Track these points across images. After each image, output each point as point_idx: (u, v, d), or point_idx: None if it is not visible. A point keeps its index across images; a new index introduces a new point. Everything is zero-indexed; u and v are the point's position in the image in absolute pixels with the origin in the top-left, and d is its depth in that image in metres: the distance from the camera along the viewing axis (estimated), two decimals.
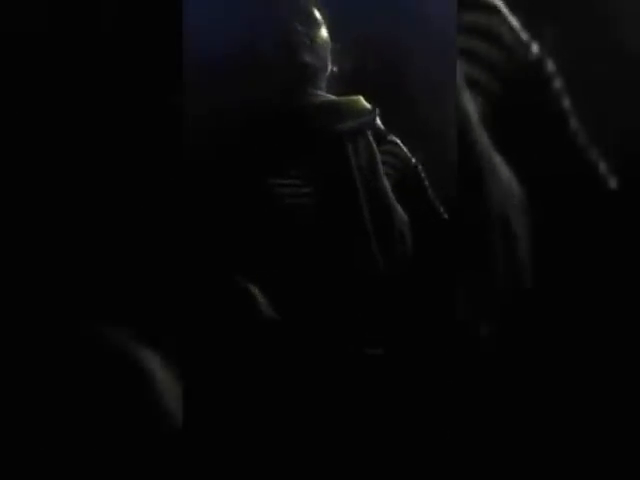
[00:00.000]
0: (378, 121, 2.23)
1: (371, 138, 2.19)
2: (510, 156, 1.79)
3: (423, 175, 2.30)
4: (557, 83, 1.86)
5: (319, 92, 2.22)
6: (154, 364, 1.69)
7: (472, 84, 1.76)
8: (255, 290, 2.10)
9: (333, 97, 2.23)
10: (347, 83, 2.27)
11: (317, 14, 2.23)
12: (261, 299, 2.10)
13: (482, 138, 1.72)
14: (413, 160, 2.29)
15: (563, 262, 1.82)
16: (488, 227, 1.72)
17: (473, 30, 1.78)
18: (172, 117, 2.16)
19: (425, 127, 2.48)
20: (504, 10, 1.82)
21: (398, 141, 2.28)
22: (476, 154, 1.71)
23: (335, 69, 2.25)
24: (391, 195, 2.17)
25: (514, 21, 1.83)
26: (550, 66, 1.86)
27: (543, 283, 1.79)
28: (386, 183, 2.17)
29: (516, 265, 1.74)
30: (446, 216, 2.32)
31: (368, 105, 2.22)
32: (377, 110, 2.22)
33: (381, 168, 2.17)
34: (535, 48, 1.84)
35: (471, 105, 1.72)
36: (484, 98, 1.76)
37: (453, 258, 2.08)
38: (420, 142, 2.31)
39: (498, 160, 1.75)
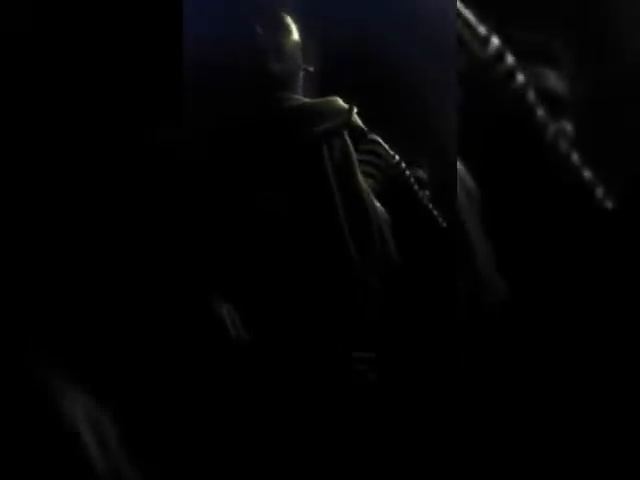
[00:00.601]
0: (357, 120, 2.19)
1: (347, 138, 2.15)
2: (474, 162, 1.77)
3: (408, 173, 2.26)
4: (519, 77, 1.81)
5: (295, 96, 2.19)
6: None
7: None
8: (226, 310, 2.09)
9: (309, 100, 2.20)
10: (337, 84, 2.26)
11: (284, 17, 2.21)
12: (232, 319, 2.09)
13: None
14: (396, 157, 2.25)
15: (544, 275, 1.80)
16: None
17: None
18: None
19: (424, 128, 2.43)
20: (460, 4, 1.78)
21: (379, 139, 2.23)
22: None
23: (311, 69, 2.22)
24: (368, 194, 2.14)
25: (469, 15, 1.78)
26: (510, 60, 1.81)
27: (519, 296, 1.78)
28: (363, 183, 2.14)
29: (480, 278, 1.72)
30: (436, 212, 2.28)
31: (345, 105, 2.18)
32: (354, 109, 2.18)
33: (357, 168, 2.13)
34: (494, 42, 1.80)
35: None
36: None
37: (446, 258, 2.06)
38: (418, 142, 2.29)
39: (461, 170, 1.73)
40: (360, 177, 2.13)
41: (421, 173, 2.30)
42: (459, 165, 1.75)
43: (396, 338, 2.18)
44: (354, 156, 2.14)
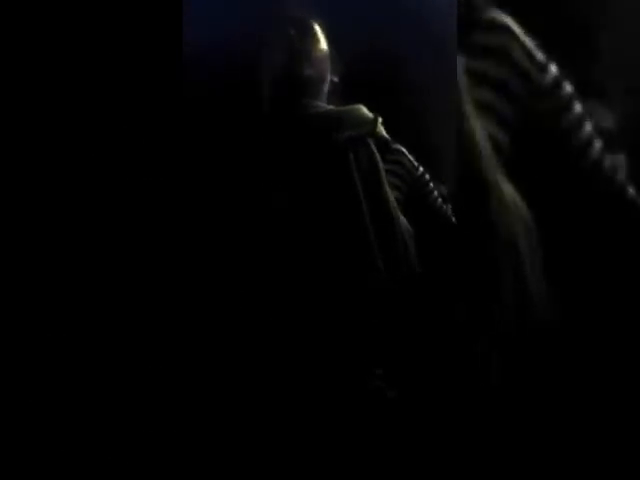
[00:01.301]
0: (382, 130, 2.10)
1: (374, 147, 2.06)
2: (524, 185, 1.67)
3: (431, 184, 2.17)
4: (577, 107, 1.69)
5: (320, 103, 2.11)
6: None
7: (484, 109, 1.60)
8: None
9: (334, 107, 2.11)
10: (348, 92, 2.17)
11: (315, 25, 2.13)
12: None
13: (490, 166, 1.60)
14: (420, 169, 2.16)
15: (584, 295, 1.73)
16: (497, 253, 1.62)
17: (482, 51, 1.61)
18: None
19: (427, 133, 2.34)
20: (516, 29, 1.64)
21: (403, 149, 2.17)
22: (482, 182, 1.59)
23: (335, 79, 2.14)
24: (395, 206, 2.07)
25: (528, 41, 1.65)
26: (569, 89, 1.69)
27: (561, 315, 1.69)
28: (390, 194, 2.06)
29: (525, 295, 1.62)
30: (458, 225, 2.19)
31: (370, 114, 2.09)
32: (379, 119, 2.09)
33: (384, 178, 2.05)
34: (552, 70, 1.67)
35: (479, 133, 1.59)
36: (498, 124, 1.62)
37: (461, 273, 1.99)
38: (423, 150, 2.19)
39: (508, 188, 1.64)
40: (387, 187, 2.06)
41: (443, 188, 2.21)
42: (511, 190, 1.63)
43: (414, 352, 2.13)
44: (381, 166, 2.06)
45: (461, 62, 1.59)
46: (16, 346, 2.05)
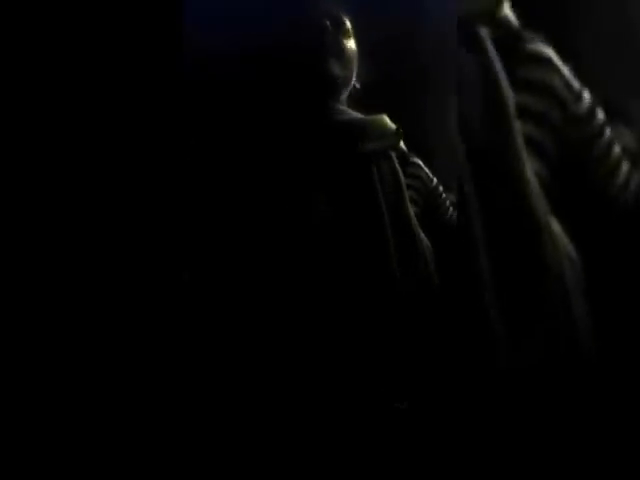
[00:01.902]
0: (401, 142, 2.11)
1: (396, 162, 2.08)
2: (564, 217, 1.71)
3: (444, 195, 2.21)
4: (607, 133, 1.75)
5: (343, 107, 2.10)
6: None
7: (527, 143, 1.64)
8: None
9: (358, 115, 2.10)
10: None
11: (348, 23, 2.09)
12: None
13: (540, 205, 1.62)
14: (434, 181, 2.19)
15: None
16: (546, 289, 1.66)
17: (526, 85, 1.66)
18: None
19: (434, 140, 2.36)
20: (557, 60, 1.70)
21: (420, 162, 2.19)
22: (534, 223, 1.62)
23: (357, 85, 2.12)
24: (415, 222, 2.08)
25: (566, 71, 1.71)
26: (601, 116, 1.75)
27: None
28: (410, 209, 2.08)
29: (572, 326, 1.67)
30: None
31: (393, 125, 2.09)
32: (401, 131, 2.10)
33: (406, 194, 2.07)
34: (586, 97, 1.73)
35: (529, 170, 1.61)
36: (540, 159, 1.67)
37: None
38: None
39: (556, 226, 1.67)
40: (409, 204, 2.07)
41: (452, 197, 2.25)
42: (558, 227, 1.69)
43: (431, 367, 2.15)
44: (404, 182, 2.07)
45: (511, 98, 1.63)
46: (16, 346, 2.04)
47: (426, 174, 2.18)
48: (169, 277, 2.06)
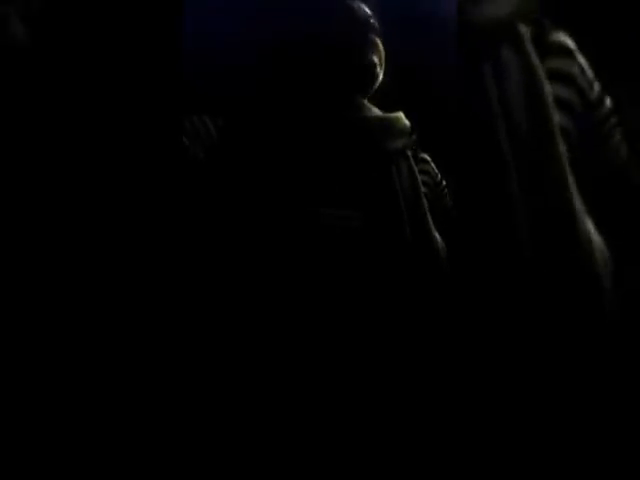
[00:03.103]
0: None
1: (412, 160, 2.18)
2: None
3: (446, 189, 2.35)
4: (612, 120, 1.98)
5: (367, 103, 2.17)
6: None
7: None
8: None
9: (379, 112, 2.18)
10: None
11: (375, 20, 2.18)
12: None
13: (575, 195, 1.78)
14: (439, 176, 2.33)
15: None
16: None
17: (554, 76, 1.85)
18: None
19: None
20: (577, 52, 1.92)
21: (428, 157, 2.31)
22: (569, 214, 1.77)
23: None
24: (430, 219, 2.17)
25: (583, 60, 1.93)
26: (608, 103, 1.98)
27: None
28: (426, 207, 2.16)
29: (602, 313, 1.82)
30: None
31: (408, 123, 2.19)
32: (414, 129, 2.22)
33: (422, 192, 2.16)
34: (597, 86, 1.96)
35: (565, 158, 1.79)
36: (568, 145, 1.84)
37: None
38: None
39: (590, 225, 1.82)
40: (425, 201, 2.16)
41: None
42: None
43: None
44: (420, 180, 2.17)
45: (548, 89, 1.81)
46: (16, 346, 2.03)
47: (433, 169, 2.31)
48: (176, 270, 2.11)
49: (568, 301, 1.79)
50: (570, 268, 1.76)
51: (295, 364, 2.10)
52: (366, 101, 2.17)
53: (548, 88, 1.81)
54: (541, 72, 1.81)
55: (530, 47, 1.79)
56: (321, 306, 2.08)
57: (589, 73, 1.95)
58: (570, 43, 1.90)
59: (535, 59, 1.79)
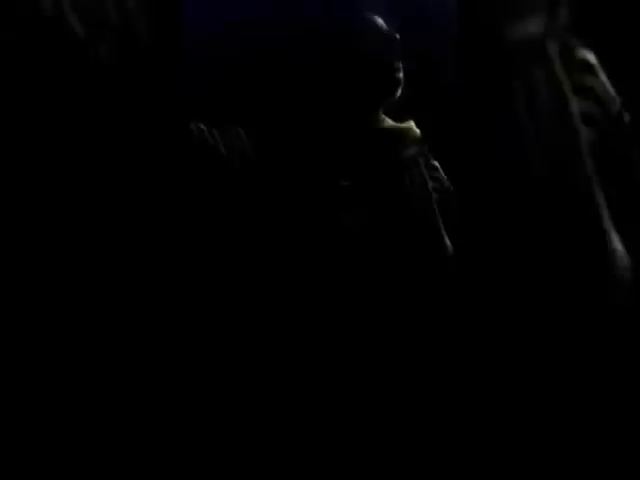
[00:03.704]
0: None
1: (424, 168, 2.21)
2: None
3: (454, 198, 2.35)
4: (632, 134, 2.00)
5: (381, 114, 2.23)
6: None
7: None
8: None
9: (392, 122, 2.24)
10: None
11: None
12: None
13: (605, 214, 1.81)
14: (447, 183, 2.33)
15: None
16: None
17: (579, 91, 1.87)
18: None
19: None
20: (599, 67, 1.94)
21: (437, 164, 2.31)
22: (600, 233, 1.81)
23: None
24: (441, 224, 2.20)
25: (604, 76, 1.95)
26: (627, 117, 2.00)
27: None
28: (438, 216, 2.20)
29: None
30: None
31: (419, 132, 2.24)
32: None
33: (434, 198, 2.20)
34: (618, 100, 1.98)
35: (594, 175, 1.82)
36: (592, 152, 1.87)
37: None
38: None
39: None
40: (437, 210, 2.19)
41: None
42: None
43: None
44: (431, 187, 2.20)
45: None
46: (16, 346, 2.03)
47: (442, 176, 2.32)
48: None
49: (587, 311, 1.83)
50: (600, 288, 1.79)
51: (305, 362, 2.15)
52: (382, 113, 2.24)
53: (575, 104, 1.83)
54: (568, 88, 1.83)
55: (558, 64, 1.81)
56: (335, 301, 2.15)
57: (610, 88, 1.97)
58: (593, 59, 1.92)
59: (563, 75, 1.81)
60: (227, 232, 2.13)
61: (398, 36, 2.19)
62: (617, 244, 1.82)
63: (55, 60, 2.01)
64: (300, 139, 2.22)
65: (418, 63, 2.32)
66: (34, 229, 2.01)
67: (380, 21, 2.21)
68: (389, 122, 2.24)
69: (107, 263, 2.04)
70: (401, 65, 2.19)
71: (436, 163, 2.31)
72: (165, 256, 2.08)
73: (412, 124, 2.25)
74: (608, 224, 1.80)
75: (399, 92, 2.21)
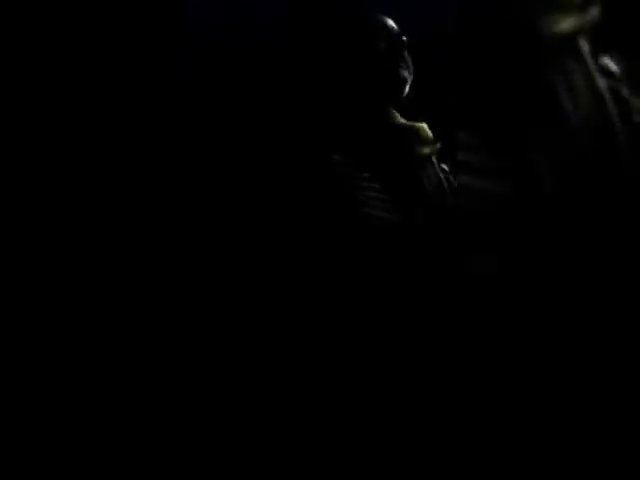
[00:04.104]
0: None
1: (437, 167, 2.27)
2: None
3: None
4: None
5: (394, 111, 2.27)
6: None
7: None
8: None
9: (406, 121, 2.28)
10: None
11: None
12: None
13: None
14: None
15: None
16: None
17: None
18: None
19: None
20: (618, 73, 2.00)
21: (446, 167, 2.37)
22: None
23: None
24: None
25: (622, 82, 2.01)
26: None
27: None
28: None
29: None
30: None
31: (431, 134, 2.29)
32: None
33: (447, 197, 2.25)
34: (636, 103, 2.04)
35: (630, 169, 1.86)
36: None
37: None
38: None
39: None
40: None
41: None
42: None
43: None
44: (446, 185, 2.26)
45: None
46: (16, 345, 2.03)
47: (452, 178, 2.37)
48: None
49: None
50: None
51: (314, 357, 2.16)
52: (394, 110, 2.28)
53: (612, 103, 1.88)
54: (603, 85, 1.87)
55: (591, 61, 1.85)
56: (351, 294, 2.15)
57: (625, 91, 2.02)
58: (612, 65, 1.98)
59: (595, 72, 1.85)
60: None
61: (405, 38, 2.25)
62: None
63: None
64: (313, 133, 2.27)
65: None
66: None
67: (388, 19, 2.28)
68: (402, 120, 2.28)
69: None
70: (408, 64, 2.26)
71: (445, 166, 2.38)
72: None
73: (425, 125, 2.29)
74: None
75: (406, 90, 2.26)
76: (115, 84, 2.04)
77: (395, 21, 2.31)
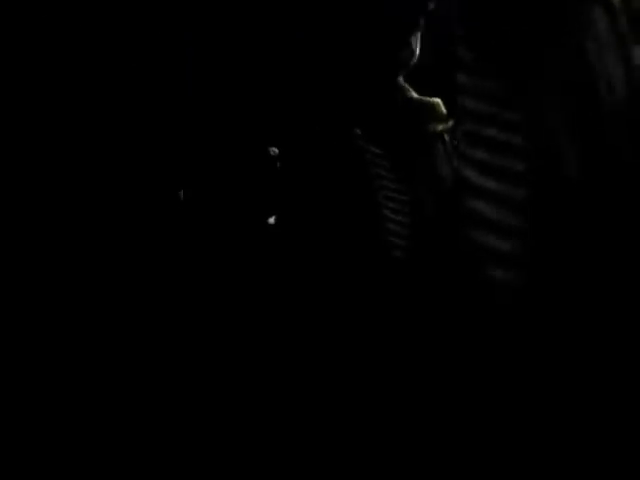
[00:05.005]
0: None
1: (448, 145, 2.19)
2: None
3: None
4: None
5: (405, 84, 2.20)
6: None
7: None
8: None
9: (419, 96, 2.21)
10: None
11: None
12: None
13: None
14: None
15: None
16: None
17: None
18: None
19: None
20: None
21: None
22: None
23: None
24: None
25: None
26: None
27: None
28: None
29: None
30: None
31: (445, 110, 2.21)
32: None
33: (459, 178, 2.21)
34: None
35: None
36: None
37: None
38: None
39: None
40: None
41: None
42: None
43: None
44: (455, 164, 2.19)
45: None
46: (16, 345, 2.01)
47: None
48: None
49: None
50: None
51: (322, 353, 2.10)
52: (404, 82, 2.20)
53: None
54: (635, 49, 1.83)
55: (623, 20, 1.80)
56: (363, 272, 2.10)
57: None
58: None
59: (628, 32, 1.80)
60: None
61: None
62: None
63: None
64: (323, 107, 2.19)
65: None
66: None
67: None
68: (415, 95, 2.20)
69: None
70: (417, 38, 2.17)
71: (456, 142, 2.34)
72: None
73: (439, 101, 2.20)
74: None
75: (414, 59, 2.18)
76: (115, 84, 2.04)
77: None
